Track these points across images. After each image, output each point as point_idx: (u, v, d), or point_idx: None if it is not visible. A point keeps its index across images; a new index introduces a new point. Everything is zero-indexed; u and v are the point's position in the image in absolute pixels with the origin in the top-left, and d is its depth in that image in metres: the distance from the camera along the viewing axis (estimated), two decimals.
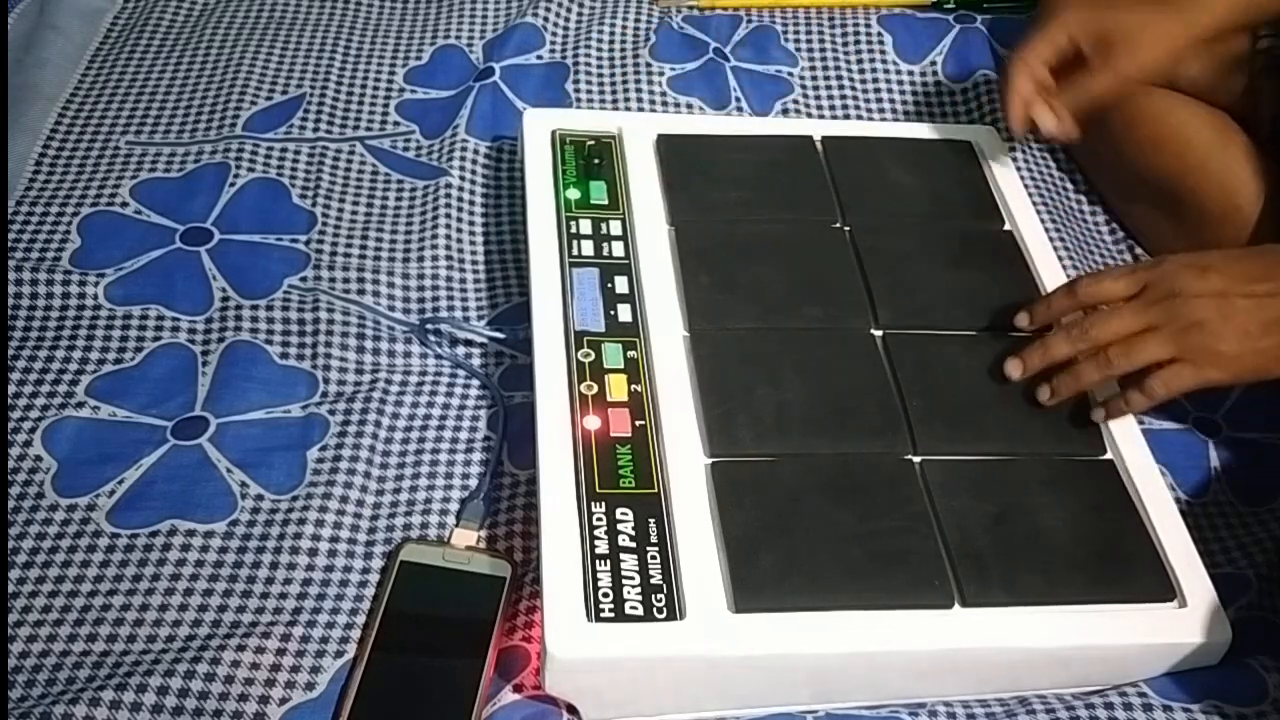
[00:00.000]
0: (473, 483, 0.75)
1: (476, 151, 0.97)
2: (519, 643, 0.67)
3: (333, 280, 0.86)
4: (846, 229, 0.84)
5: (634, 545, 0.64)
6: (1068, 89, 0.80)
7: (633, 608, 0.62)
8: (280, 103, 1.00)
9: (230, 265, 0.86)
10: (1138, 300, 0.72)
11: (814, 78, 1.08)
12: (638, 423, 0.70)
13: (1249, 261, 0.73)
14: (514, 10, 1.11)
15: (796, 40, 1.11)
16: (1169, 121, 0.91)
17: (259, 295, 0.84)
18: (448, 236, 0.90)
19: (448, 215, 0.91)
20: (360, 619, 0.68)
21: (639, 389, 0.72)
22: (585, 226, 0.82)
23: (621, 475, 0.68)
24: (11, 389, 0.77)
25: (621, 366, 0.73)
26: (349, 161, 0.96)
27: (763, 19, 1.13)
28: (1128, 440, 0.74)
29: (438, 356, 0.82)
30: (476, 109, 1.00)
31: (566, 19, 1.10)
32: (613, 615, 0.61)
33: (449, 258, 0.88)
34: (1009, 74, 0.81)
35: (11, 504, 0.71)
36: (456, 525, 0.72)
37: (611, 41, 1.09)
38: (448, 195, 0.92)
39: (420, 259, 0.88)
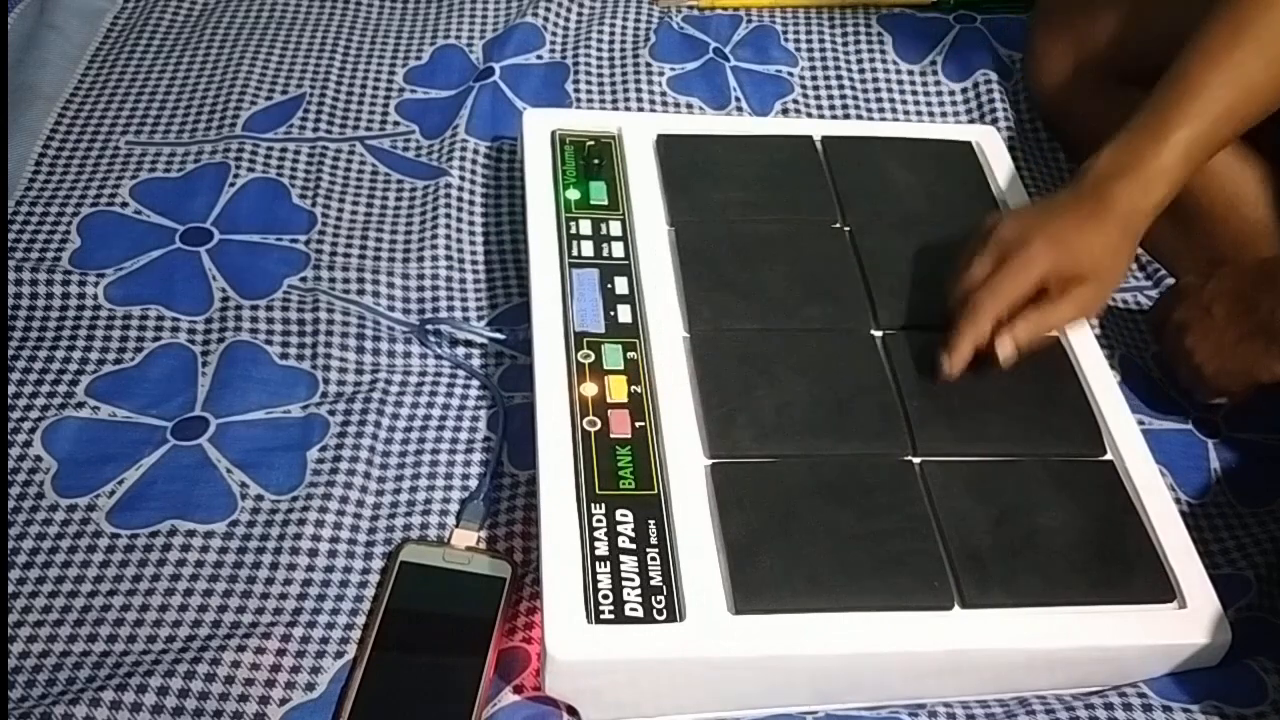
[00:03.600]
0: (473, 483, 0.75)
1: (476, 151, 0.97)
2: (519, 644, 0.67)
3: (333, 280, 0.86)
4: (846, 229, 0.84)
5: (634, 547, 0.64)
6: (1029, 319, 0.73)
7: (633, 609, 0.62)
8: (280, 103, 1.00)
9: (230, 265, 0.86)
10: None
11: (814, 78, 1.08)
12: (638, 424, 0.70)
13: (1240, 278, 0.76)
14: (514, 10, 1.11)
15: (796, 40, 1.11)
16: None
17: (259, 295, 0.84)
18: (448, 236, 0.90)
19: (448, 215, 0.91)
20: (360, 619, 0.68)
21: (639, 390, 0.72)
22: (585, 227, 0.82)
23: (621, 476, 0.68)
24: (11, 389, 0.77)
25: (621, 368, 0.73)
26: (349, 161, 0.96)
27: (763, 19, 1.13)
28: (1128, 441, 0.74)
29: (438, 356, 0.82)
30: (476, 109, 1.00)
31: (566, 19, 1.10)
32: (613, 617, 0.61)
33: (449, 258, 0.88)
34: (975, 321, 0.73)
35: (11, 504, 0.71)
36: (456, 525, 0.72)
37: (611, 41, 1.09)
38: (448, 195, 0.92)
39: (420, 259, 0.88)
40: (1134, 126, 0.76)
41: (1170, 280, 0.93)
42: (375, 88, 1.03)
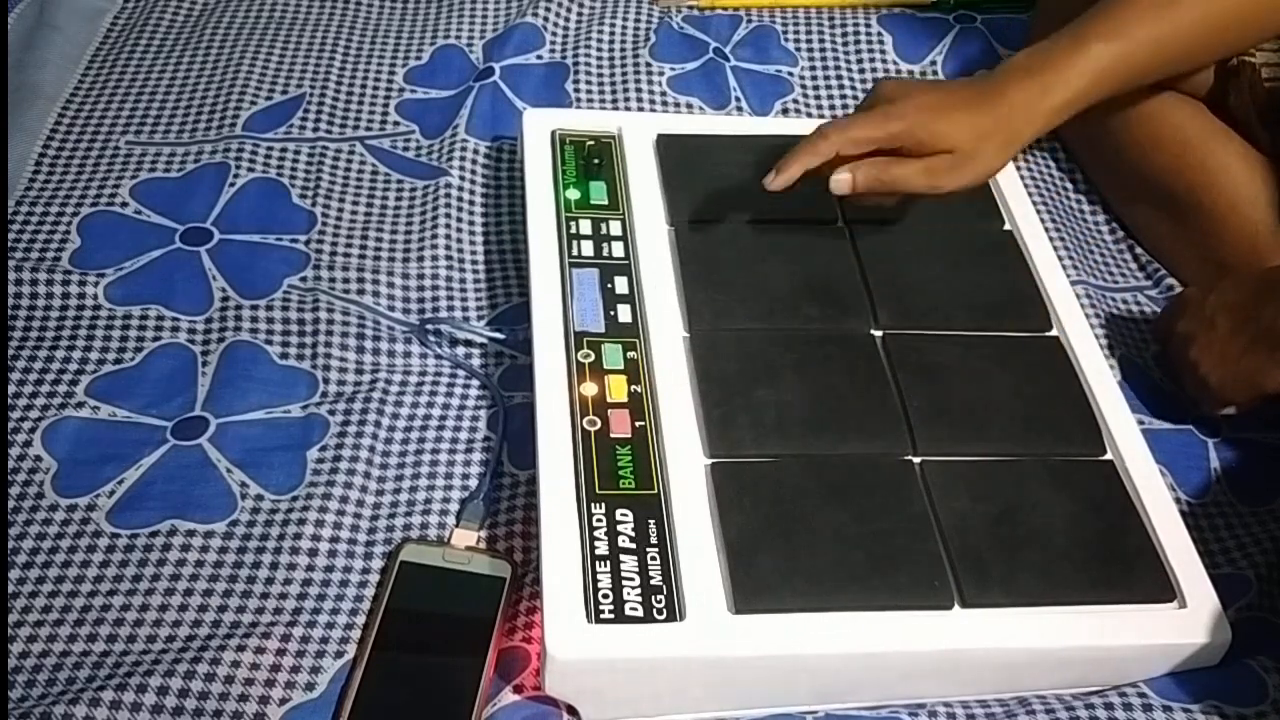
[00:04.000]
0: (473, 483, 0.75)
1: (476, 151, 0.97)
2: (519, 643, 0.67)
3: (333, 280, 0.86)
4: (847, 229, 0.84)
5: (634, 546, 0.64)
6: (875, 163, 0.74)
7: (632, 609, 0.62)
8: (280, 103, 1.00)
9: (230, 265, 0.86)
10: None
11: (814, 78, 1.08)
12: (638, 423, 0.70)
13: (1242, 288, 0.76)
14: (514, 10, 1.11)
15: (796, 40, 1.11)
16: (1169, 121, 0.91)
17: (259, 295, 0.84)
18: (448, 236, 0.90)
19: (448, 215, 0.91)
20: (360, 619, 0.68)
21: (639, 390, 0.72)
22: (585, 227, 0.82)
23: (621, 476, 0.68)
24: (11, 389, 0.77)
25: (621, 367, 0.73)
26: (349, 161, 0.96)
27: (763, 19, 1.13)
28: (1128, 440, 0.74)
29: (438, 356, 0.82)
30: (476, 109, 1.00)
31: (566, 19, 1.10)
32: (613, 616, 0.61)
33: (449, 258, 0.88)
34: (814, 142, 0.74)
35: (11, 504, 0.71)
36: (456, 525, 0.72)
37: (611, 41, 1.09)
38: (448, 195, 0.92)
39: (420, 259, 0.88)
40: (1058, 35, 0.77)
41: (1171, 280, 0.93)
42: (375, 88, 1.03)
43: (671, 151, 0.88)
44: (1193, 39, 0.78)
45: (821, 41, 1.11)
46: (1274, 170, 0.87)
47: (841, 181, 0.74)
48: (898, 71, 1.08)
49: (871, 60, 1.09)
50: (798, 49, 1.10)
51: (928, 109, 0.74)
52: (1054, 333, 0.80)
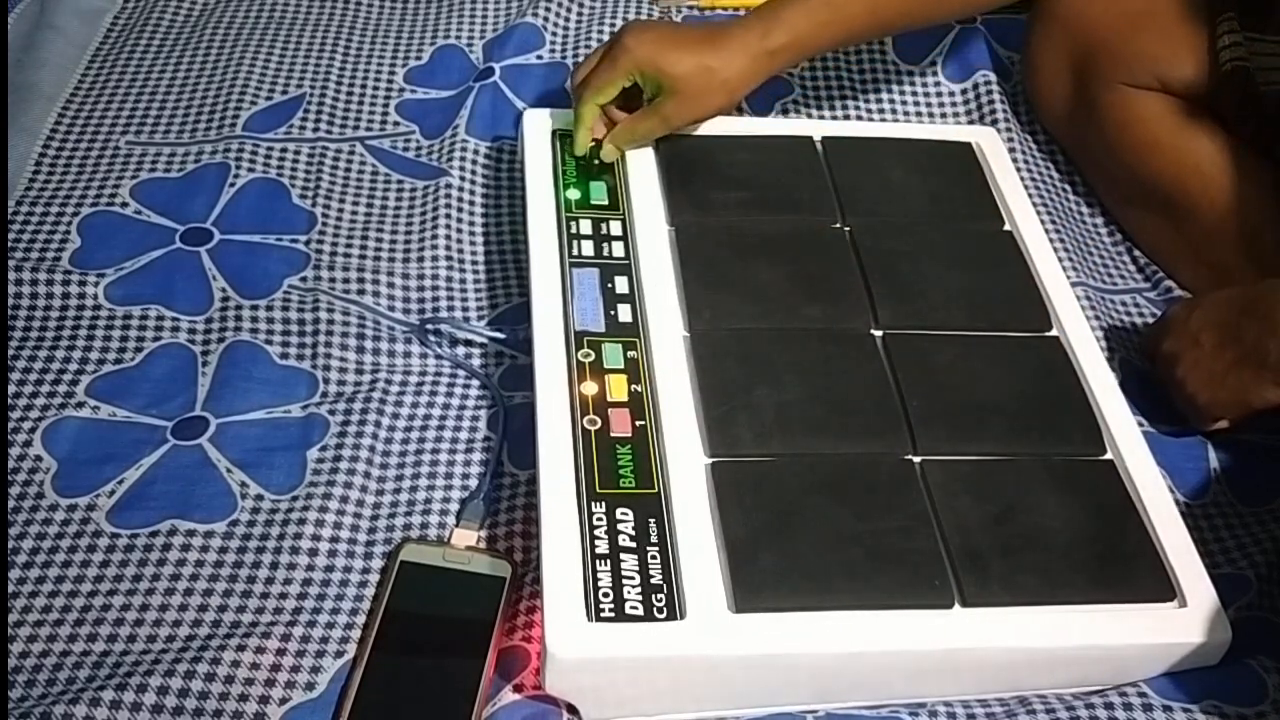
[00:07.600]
0: (473, 483, 0.75)
1: (476, 151, 0.97)
2: (519, 643, 0.67)
3: (333, 280, 0.86)
4: (846, 229, 0.84)
5: (634, 545, 0.64)
6: (622, 127, 0.85)
7: (633, 607, 0.62)
8: (280, 103, 1.00)
9: (230, 265, 0.86)
10: None
11: (814, 78, 1.08)
12: (638, 423, 0.70)
13: (1225, 306, 0.76)
14: (514, 10, 1.11)
15: None
16: (1165, 125, 0.91)
17: (259, 295, 0.84)
18: (448, 236, 0.90)
19: (448, 215, 0.91)
20: (360, 619, 0.68)
21: (639, 389, 0.72)
22: (585, 226, 0.82)
23: (621, 475, 0.68)
24: (11, 389, 0.77)
25: (621, 366, 0.73)
26: (349, 161, 0.96)
27: None
28: (1128, 440, 0.74)
29: (438, 356, 0.82)
30: (476, 109, 1.00)
31: (566, 19, 1.10)
32: (613, 615, 0.61)
33: (449, 258, 0.88)
34: (578, 111, 0.85)
35: (11, 504, 0.71)
36: (456, 525, 0.72)
37: None
38: (448, 195, 0.92)
39: (420, 259, 0.88)
40: None
41: (1169, 283, 0.93)
42: (375, 88, 1.03)
43: (671, 151, 0.88)
44: None
45: None
46: (1270, 173, 0.87)
47: (608, 152, 0.85)
48: (898, 71, 1.08)
49: (871, 60, 1.09)
50: None
51: (655, 44, 0.81)
52: (1054, 333, 0.80)
